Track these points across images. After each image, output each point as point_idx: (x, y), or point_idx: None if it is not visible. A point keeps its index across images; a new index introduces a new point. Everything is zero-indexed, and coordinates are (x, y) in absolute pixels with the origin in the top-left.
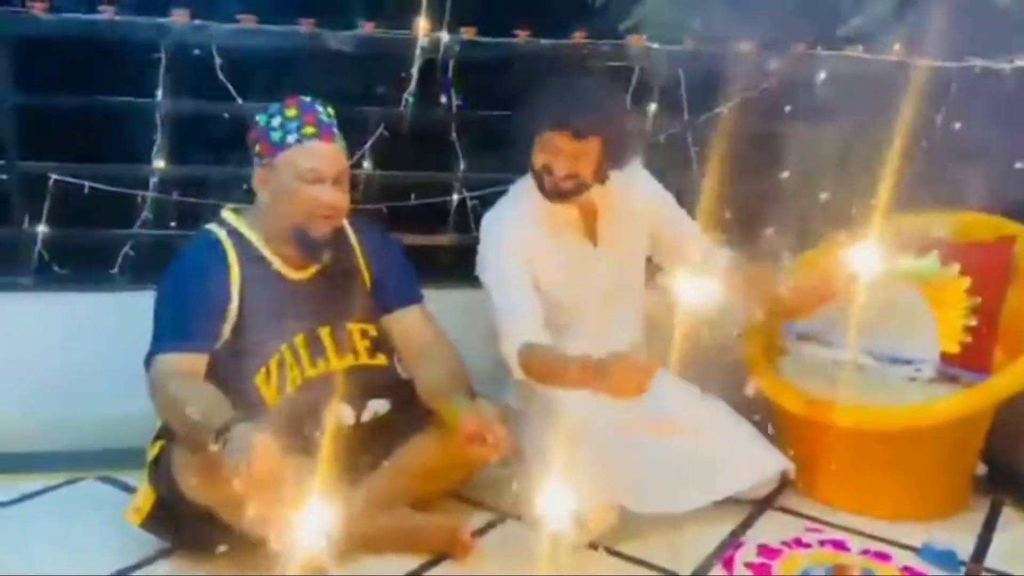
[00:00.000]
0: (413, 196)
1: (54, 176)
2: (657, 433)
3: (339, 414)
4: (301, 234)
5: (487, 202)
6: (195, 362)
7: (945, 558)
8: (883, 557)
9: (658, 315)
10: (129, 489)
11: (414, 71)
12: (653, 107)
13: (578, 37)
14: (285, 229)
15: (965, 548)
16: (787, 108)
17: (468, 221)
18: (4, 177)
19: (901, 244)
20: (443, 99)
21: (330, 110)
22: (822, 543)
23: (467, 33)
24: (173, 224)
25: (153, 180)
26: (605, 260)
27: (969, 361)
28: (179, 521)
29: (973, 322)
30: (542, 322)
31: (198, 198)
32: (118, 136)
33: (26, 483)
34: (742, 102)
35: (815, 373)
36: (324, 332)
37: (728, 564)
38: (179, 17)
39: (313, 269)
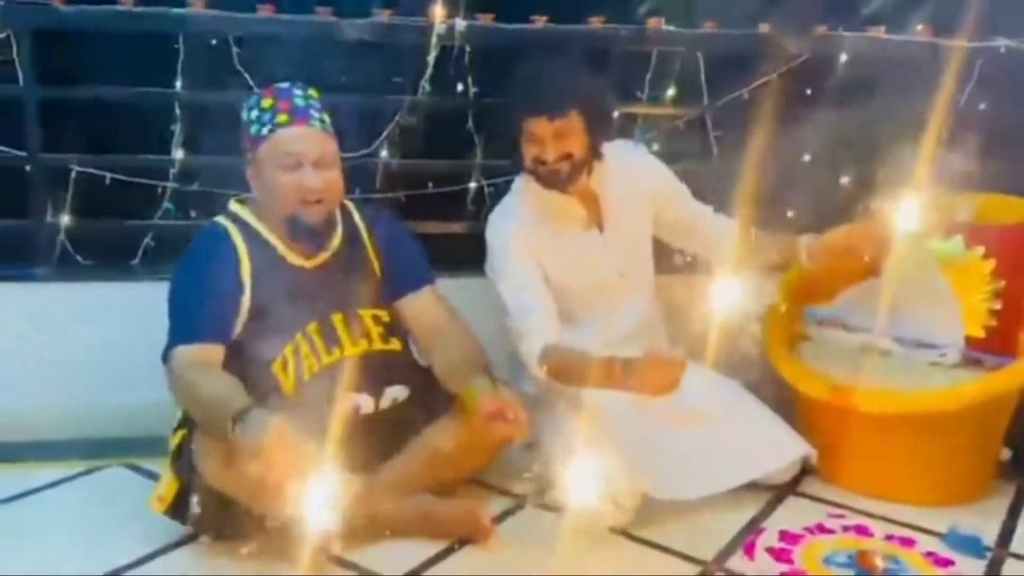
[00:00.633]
0: (431, 184)
1: (76, 168)
2: (678, 423)
3: (358, 402)
4: (295, 222)
5: (503, 191)
6: (212, 353)
7: (970, 544)
8: (907, 543)
9: (674, 299)
10: (153, 477)
11: (430, 59)
12: (672, 91)
13: (596, 22)
14: (281, 220)
15: (990, 533)
16: (808, 91)
17: (486, 209)
18: (27, 169)
19: (925, 227)
20: (459, 86)
21: (311, 92)
22: (845, 529)
23: (484, 19)
24: (194, 215)
25: (173, 171)
26: (612, 245)
27: (993, 345)
28: (202, 508)
29: (997, 305)
30: (557, 319)
31: (218, 188)
32: (138, 127)
33: (50, 471)
34: (763, 85)
35: (837, 358)
36: (337, 319)
37: (749, 550)
38: (197, 7)
39: (322, 257)
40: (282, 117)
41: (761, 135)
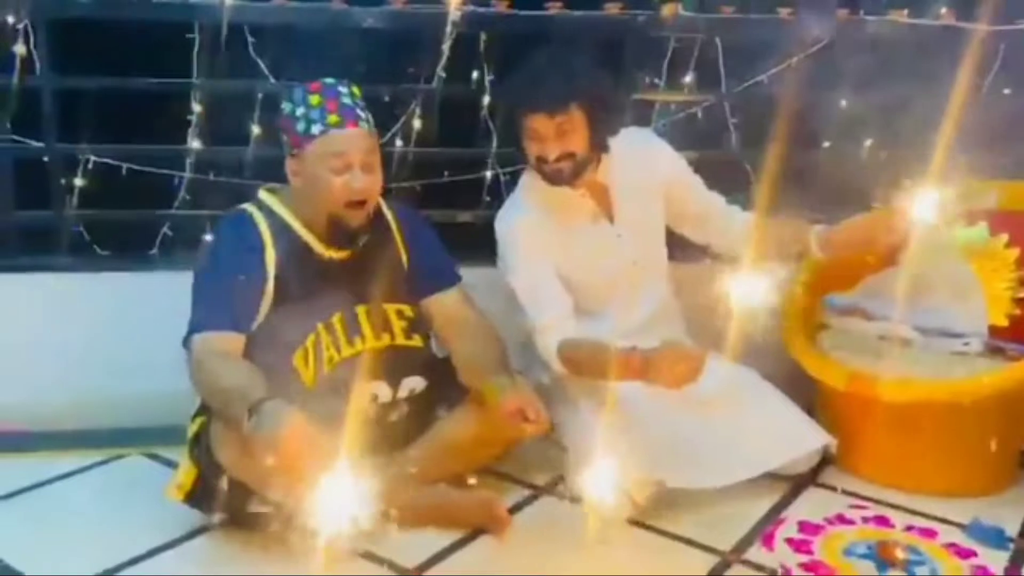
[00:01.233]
0: (446, 173)
1: (92, 158)
2: (696, 412)
3: (375, 391)
4: (337, 222)
5: (518, 179)
6: (233, 341)
7: (992, 535)
8: (928, 534)
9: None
10: (172, 465)
11: (445, 47)
12: (689, 78)
13: (612, 8)
14: (321, 216)
15: (1012, 524)
16: (829, 76)
17: (501, 197)
18: (44, 159)
19: (948, 215)
20: (475, 74)
21: (354, 89)
22: (865, 519)
23: (500, 5)
24: (210, 205)
25: (189, 160)
26: (625, 235)
27: (1017, 333)
28: (220, 496)
29: (1022, 293)
30: (572, 312)
31: (235, 178)
32: (155, 116)
33: (70, 460)
34: (783, 71)
35: (857, 347)
36: (360, 311)
37: (768, 540)
38: None
39: (350, 249)
40: (333, 118)
41: (781, 122)
